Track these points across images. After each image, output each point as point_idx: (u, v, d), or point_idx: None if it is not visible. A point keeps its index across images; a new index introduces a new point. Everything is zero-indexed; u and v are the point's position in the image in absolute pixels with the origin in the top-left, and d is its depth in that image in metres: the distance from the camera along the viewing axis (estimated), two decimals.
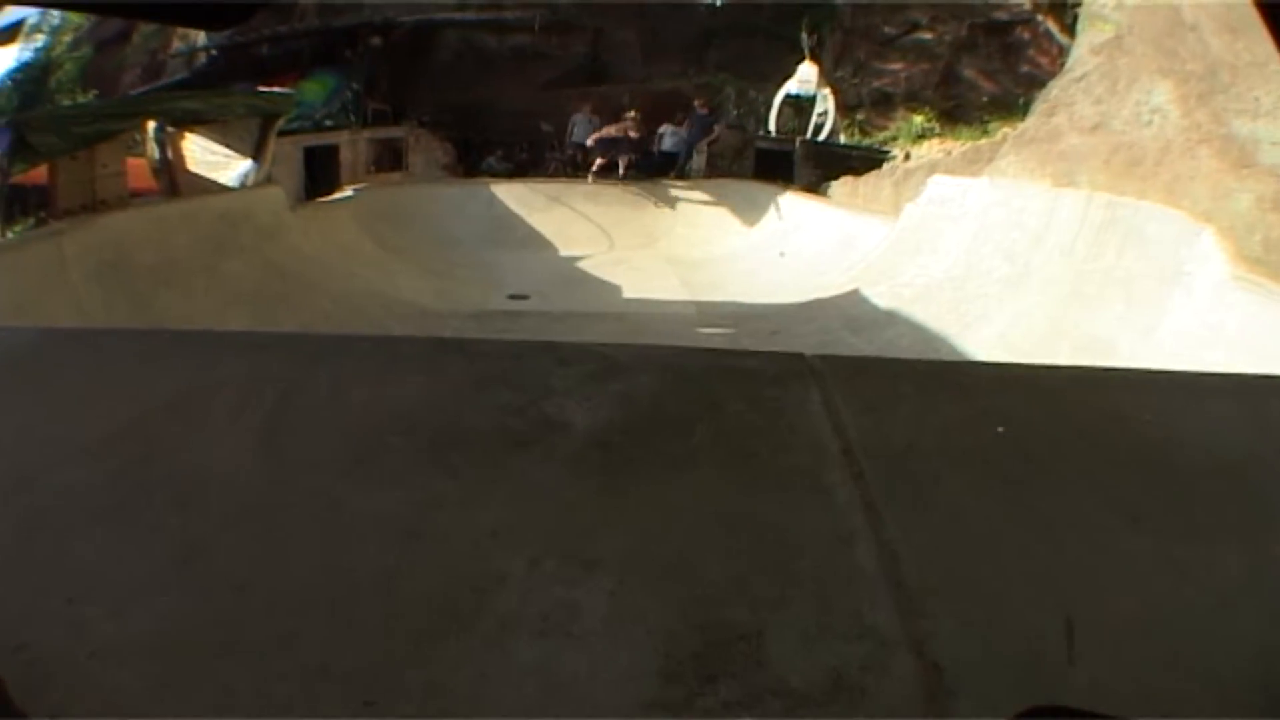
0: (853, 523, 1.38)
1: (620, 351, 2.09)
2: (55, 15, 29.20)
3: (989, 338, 4.98)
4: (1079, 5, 8.82)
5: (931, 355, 5.10)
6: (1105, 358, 4.19)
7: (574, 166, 12.95)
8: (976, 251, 6.13)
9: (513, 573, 1.32)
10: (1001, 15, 11.40)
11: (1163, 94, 5.42)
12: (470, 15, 16.41)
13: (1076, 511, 1.43)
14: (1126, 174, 5.53)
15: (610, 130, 12.22)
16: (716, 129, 12.84)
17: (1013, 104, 10.50)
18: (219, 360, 2.18)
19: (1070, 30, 9.80)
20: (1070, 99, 6.50)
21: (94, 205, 7.55)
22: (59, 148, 7.06)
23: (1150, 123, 5.48)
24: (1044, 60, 11.25)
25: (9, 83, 25.82)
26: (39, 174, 7.86)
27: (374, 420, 1.78)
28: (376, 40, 16.14)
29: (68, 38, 27.81)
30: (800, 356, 2.01)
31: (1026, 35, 11.24)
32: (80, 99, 21.69)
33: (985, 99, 11.25)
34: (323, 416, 1.83)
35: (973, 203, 6.63)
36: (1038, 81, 10.07)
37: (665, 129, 13.03)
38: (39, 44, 29.11)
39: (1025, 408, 1.79)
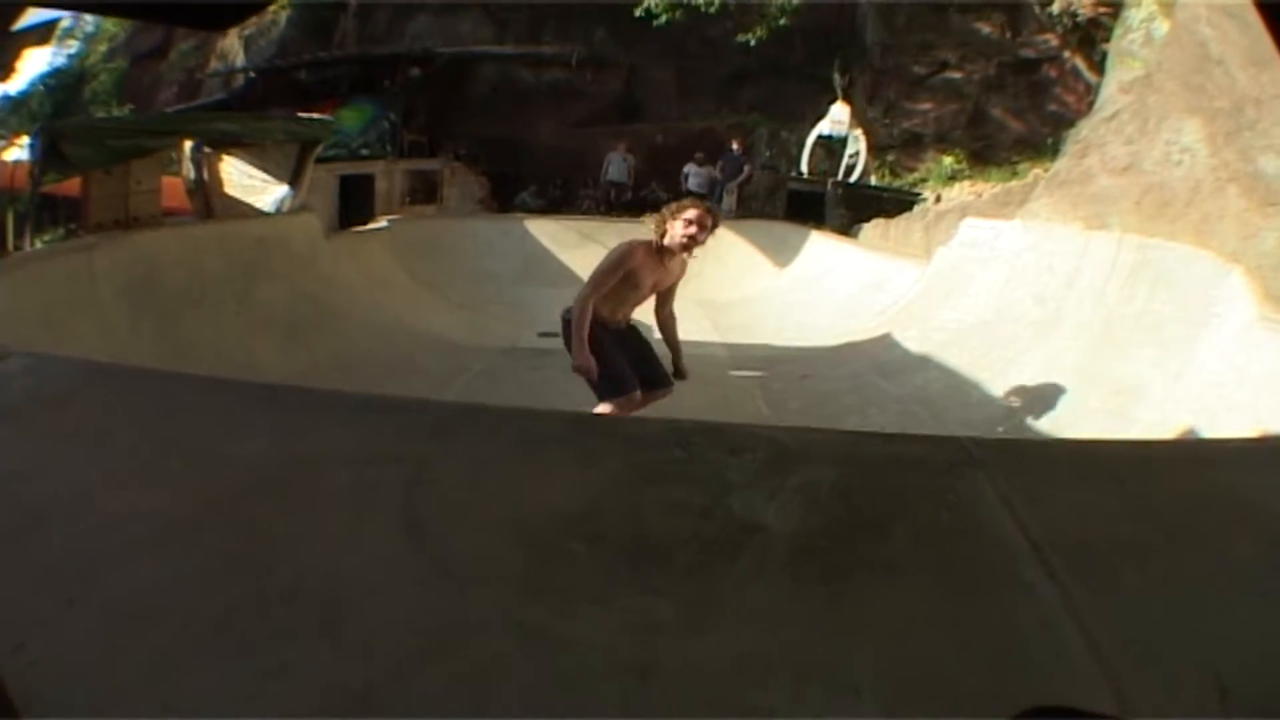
0: (1061, 620, 1.35)
1: (788, 436, 1.95)
2: (89, 22, 29.72)
3: (1019, 382, 4.96)
4: (1107, 41, 8.84)
5: (962, 400, 5.11)
6: (1136, 402, 4.20)
7: (608, 204, 13.06)
8: (1008, 295, 6.08)
9: (778, 708, 1.15)
10: (1029, 53, 11.46)
11: (1192, 133, 5.37)
12: (508, 49, 16.73)
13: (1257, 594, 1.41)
14: (1157, 215, 5.48)
15: None
16: (748, 169, 12.93)
17: (1040, 144, 10.57)
18: (316, 425, 1.88)
19: (1098, 68, 9.84)
20: (1101, 139, 6.45)
21: (127, 222, 7.49)
22: (93, 160, 6.97)
23: (1180, 162, 5.43)
24: (1070, 99, 11.30)
25: (41, 87, 26.40)
26: (71, 185, 7.77)
27: (539, 520, 1.53)
28: (415, 71, 16.43)
29: (103, 47, 28.64)
30: (958, 443, 1.93)
31: (1054, 74, 11.28)
32: (115, 112, 21.89)
33: (1013, 139, 11.29)
34: (473, 511, 1.56)
35: (1004, 246, 6.59)
36: (1064, 121, 10.13)
37: (689, 168, 13.16)
38: (73, 50, 29.86)
39: (1170, 491, 1.77)
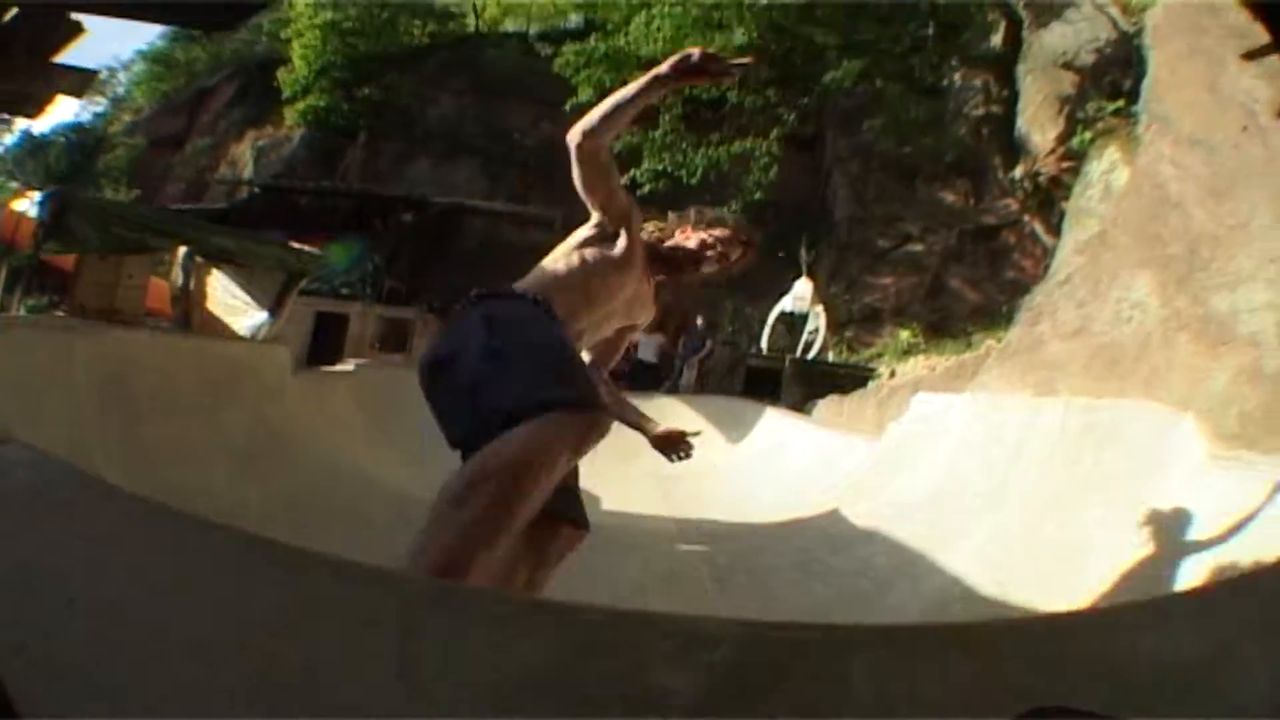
0: None
1: (703, 624, 2.01)
2: (120, 82, 30.73)
3: (968, 552, 4.84)
4: (1067, 199, 9.24)
5: (909, 571, 5.02)
6: (1085, 560, 4.04)
7: None
8: (956, 468, 6.06)
9: None
10: (990, 219, 12.00)
11: (1143, 286, 5.49)
12: (498, 205, 17.42)
13: None
14: (1107, 374, 5.53)
15: None
16: (710, 344, 13.19)
17: (996, 313, 11.06)
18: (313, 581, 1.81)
19: (1055, 230, 10.32)
20: (1054, 305, 6.62)
21: (111, 313, 7.43)
22: (95, 244, 6.98)
23: (1130, 319, 5.54)
24: (1028, 264, 11.88)
25: (62, 139, 26.89)
26: (65, 258, 7.95)
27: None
28: (408, 216, 17.09)
29: (127, 117, 29.40)
30: (843, 628, 2.18)
31: (1013, 239, 11.81)
32: (123, 192, 22.31)
33: (969, 309, 11.73)
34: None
35: (953, 420, 6.63)
36: (1021, 288, 10.67)
37: (640, 338, 13.38)
38: (98, 109, 30.67)
39: (1022, 658, 1.79)
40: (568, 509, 2.58)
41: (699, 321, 13.16)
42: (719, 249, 2.79)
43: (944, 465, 6.34)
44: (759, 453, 10.02)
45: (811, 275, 12.06)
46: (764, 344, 12.41)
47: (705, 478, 9.63)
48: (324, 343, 11.81)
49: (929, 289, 12.23)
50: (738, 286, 13.58)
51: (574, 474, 2.72)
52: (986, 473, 5.62)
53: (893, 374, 10.27)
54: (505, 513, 1.85)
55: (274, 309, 9.34)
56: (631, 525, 7.57)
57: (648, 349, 13.23)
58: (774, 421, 10.56)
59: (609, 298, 2.63)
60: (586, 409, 2.02)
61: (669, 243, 2.83)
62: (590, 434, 2.03)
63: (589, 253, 2.61)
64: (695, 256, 2.79)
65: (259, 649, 1.48)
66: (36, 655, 1.16)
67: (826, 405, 10.64)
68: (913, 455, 6.91)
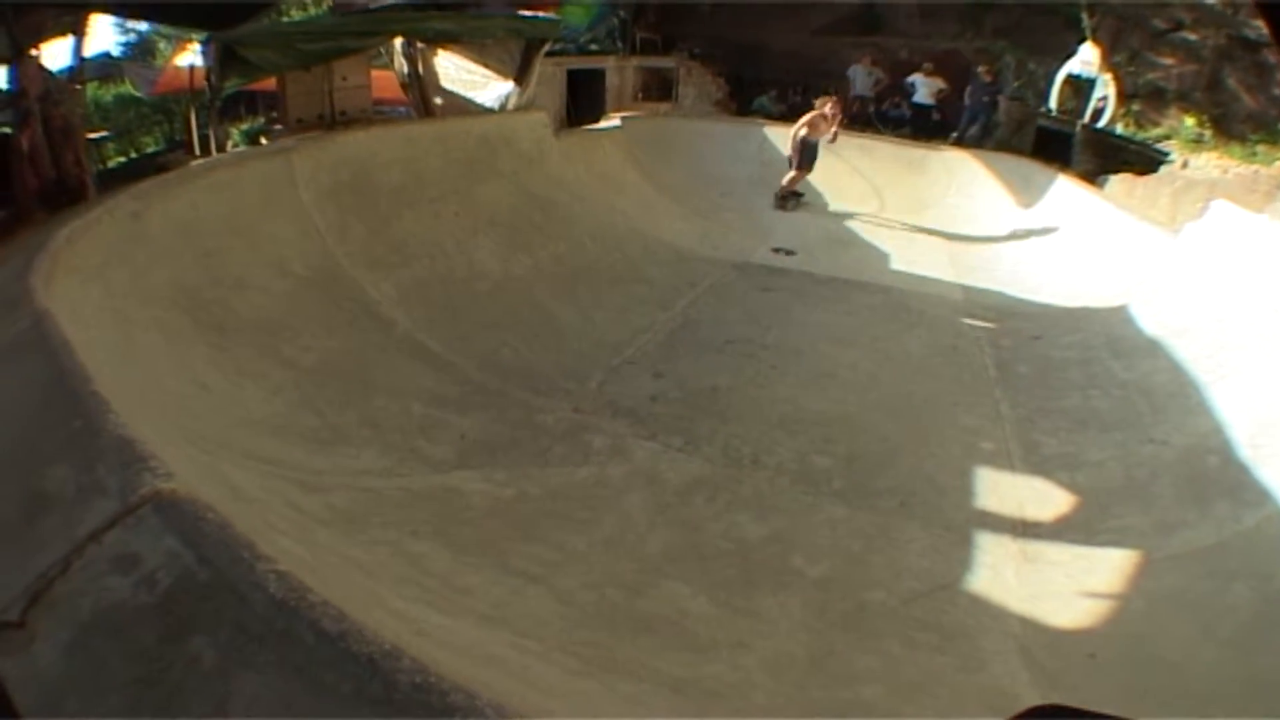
0: None
1: None
2: None
3: (1238, 396, 4.64)
4: None
5: (1183, 402, 4.86)
6: None
7: (851, 117, 12.75)
8: (1247, 296, 5.67)
9: None
10: (1250, 33, 10.95)
11: None
12: None
13: None
14: None
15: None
16: (1000, 100, 12.51)
17: (1271, 126, 10.53)
18: None
19: None
20: None
21: (332, 118, 7.18)
22: (281, 64, 6.50)
23: None
24: None
25: None
26: (267, 82, 7.32)
27: None
28: None
29: None
30: None
31: (1273, 59, 10.79)
32: (313, 10, 21.18)
33: (1247, 113, 11.12)
34: None
35: (1251, 241, 6.20)
36: None
37: (915, 78, 13.00)
38: None
39: None
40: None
41: (982, 71, 12.45)
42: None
43: (1236, 288, 5.86)
44: (1050, 224, 9.61)
45: (1096, 41, 11.30)
46: (1052, 104, 11.80)
47: (994, 243, 9.71)
48: (582, 101, 11.62)
49: (1209, 80, 11.36)
50: (1017, 41, 12.92)
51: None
52: (1274, 310, 5.20)
53: (1185, 164, 9.92)
54: None
55: (519, 78, 8.90)
56: (918, 289, 7.73)
57: (924, 91, 12.91)
58: (1067, 191, 9.95)
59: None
60: None
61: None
62: None
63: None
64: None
65: None
66: None
67: (1119, 183, 10.14)
68: (1206, 266, 6.49)
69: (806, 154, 10.56)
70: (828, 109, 10.46)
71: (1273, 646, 2.58)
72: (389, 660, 1.39)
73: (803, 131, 10.46)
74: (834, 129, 10.50)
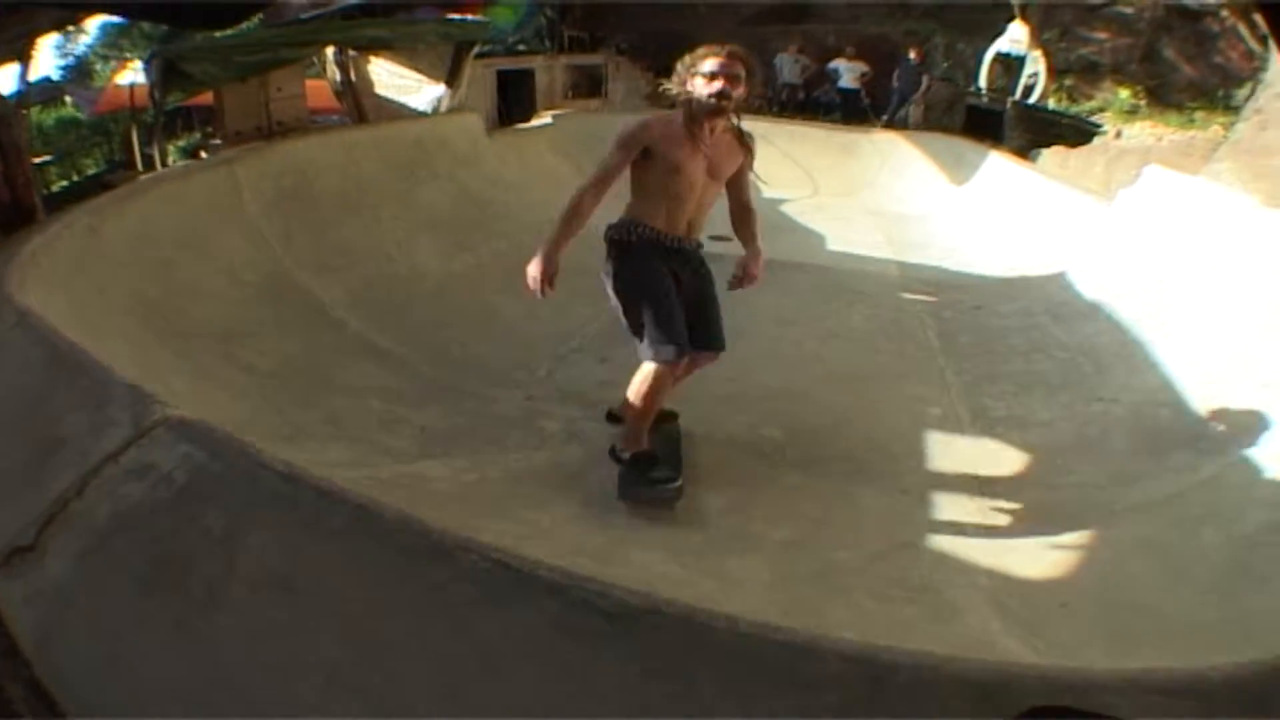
0: None
1: None
2: None
3: (1179, 353, 4.71)
4: None
5: (1126, 361, 4.92)
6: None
7: (780, 105, 12.95)
8: (1184, 257, 5.79)
9: None
10: (1190, 2, 11.00)
11: None
12: None
13: None
14: None
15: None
16: (927, 80, 12.57)
17: (1212, 93, 10.52)
18: None
19: (1259, 38, 9.59)
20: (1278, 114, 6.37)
21: (269, 129, 7.15)
22: (220, 77, 6.55)
23: None
24: (1233, 55, 11.01)
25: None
26: (204, 96, 7.38)
27: None
28: None
29: None
30: None
31: (1215, 27, 10.87)
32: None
33: (1185, 81, 11.06)
34: None
35: (1186, 204, 6.29)
36: (1230, 76, 10.04)
37: (838, 64, 12.99)
38: None
39: None
40: (710, 340, 3.47)
41: (912, 55, 12.53)
42: (724, 79, 2.88)
43: (1172, 249, 5.94)
44: (984, 199, 9.73)
45: (1025, 18, 11.24)
46: (982, 83, 11.90)
47: (928, 220, 9.72)
48: (513, 101, 11.51)
49: (1144, 52, 11.40)
50: (947, 21, 12.94)
51: (710, 297, 3.50)
52: (1214, 271, 5.28)
53: (1119, 134, 9.96)
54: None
55: (450, 81, 8.94)
56: (854, 267, 7.66)
57: (848, 76, 12.90)
58: (999, 166, 10.05)
59: (685, 191, 3.21)
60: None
61: (694, 105, 2.98)
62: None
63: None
64: (718, 96, 2.90)
65: None
66: None
67: (1052, 155, 10.20)
68: (1144, 231, 6.50)
69: None
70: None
71: (1254, 586, 2.56)
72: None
73: None
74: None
